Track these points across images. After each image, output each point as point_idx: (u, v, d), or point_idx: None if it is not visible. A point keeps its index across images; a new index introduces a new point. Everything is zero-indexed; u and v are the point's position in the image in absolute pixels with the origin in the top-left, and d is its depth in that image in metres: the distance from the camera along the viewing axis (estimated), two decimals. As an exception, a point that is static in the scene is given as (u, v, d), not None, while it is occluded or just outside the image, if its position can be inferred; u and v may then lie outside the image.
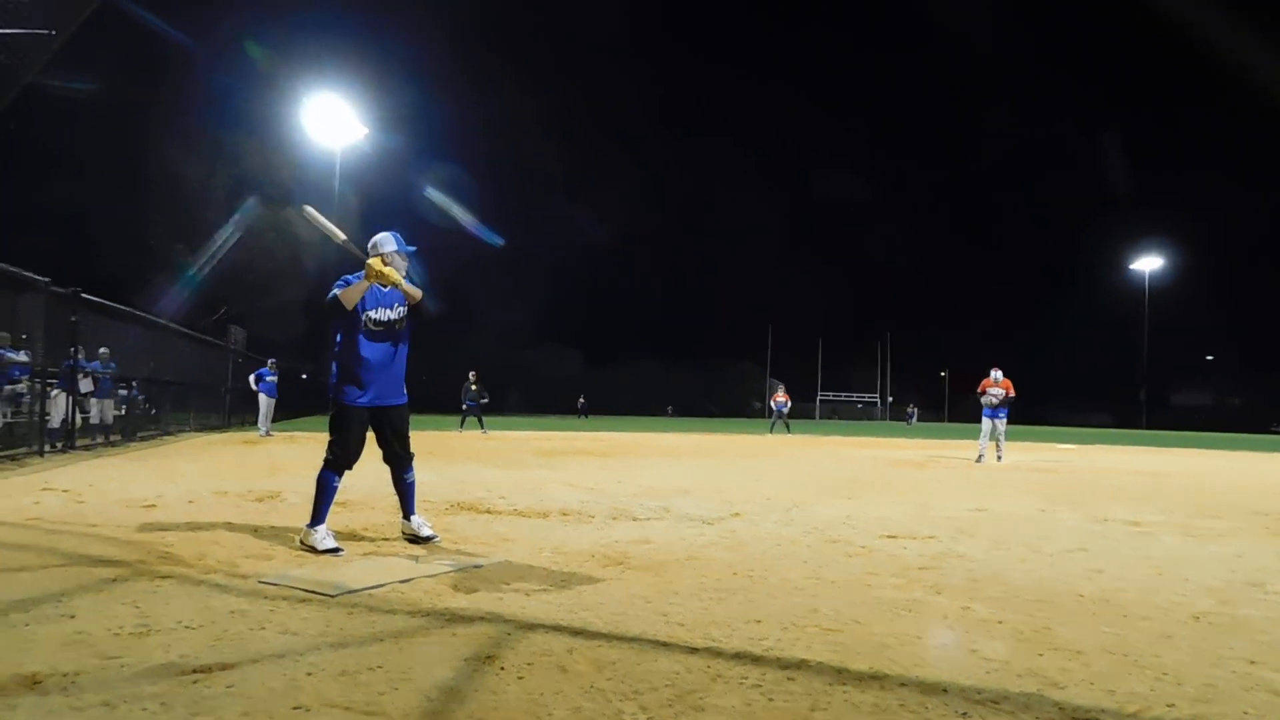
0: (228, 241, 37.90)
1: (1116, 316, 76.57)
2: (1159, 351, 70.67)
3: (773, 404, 31.15)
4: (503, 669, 2.65)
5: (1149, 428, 62.23)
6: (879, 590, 4.01)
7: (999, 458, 15.04)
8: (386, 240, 5.05)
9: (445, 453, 13.92)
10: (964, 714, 2.37)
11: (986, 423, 15.03)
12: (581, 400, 58.95)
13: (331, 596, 3.57)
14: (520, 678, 2.58)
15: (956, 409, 66.37)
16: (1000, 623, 3.44)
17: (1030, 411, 72.35)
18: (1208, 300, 78.50)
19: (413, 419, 5.18)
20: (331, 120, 30.39)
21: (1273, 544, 5.80)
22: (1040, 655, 2.97)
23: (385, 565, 4.31)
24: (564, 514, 6.48)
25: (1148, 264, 69.20)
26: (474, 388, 22.73)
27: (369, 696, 2.39)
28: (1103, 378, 79.39)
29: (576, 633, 3.10)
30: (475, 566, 4.33)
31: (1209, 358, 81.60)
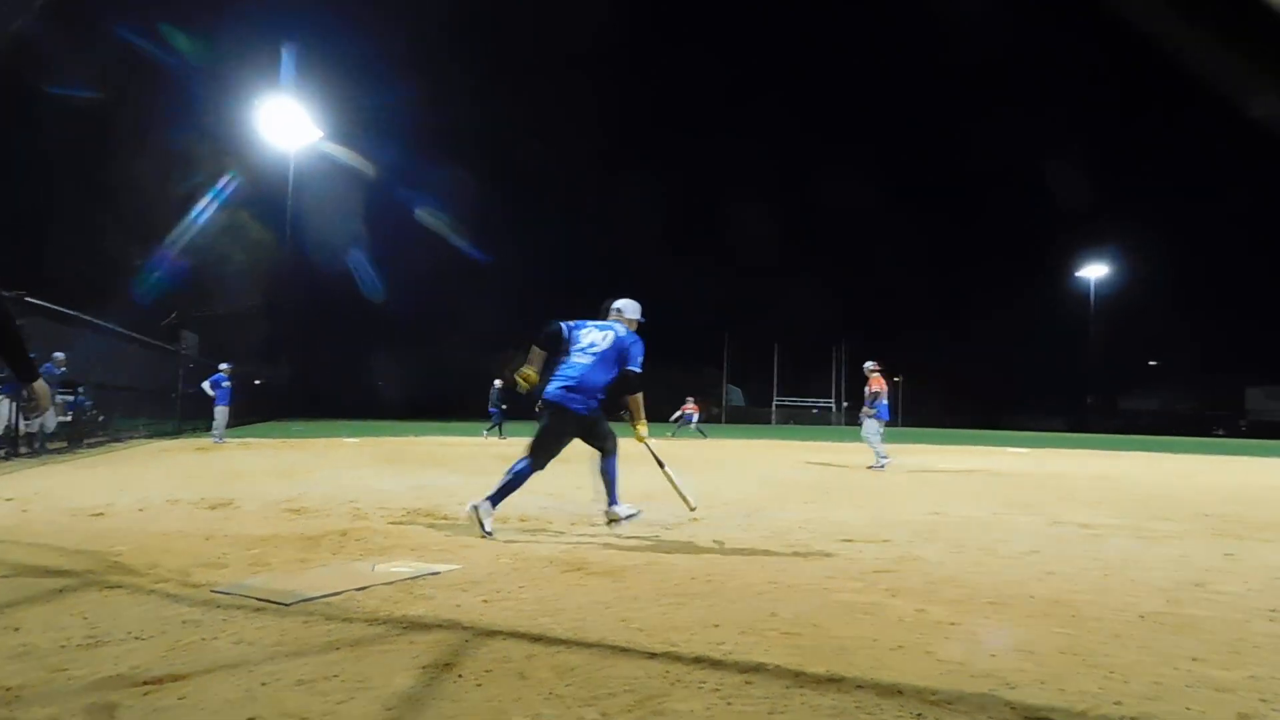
0: (180, 243, 37.41)
1: (1066, 323, 78.48)
2: (1107, 357, 72.61)
3: (682, 413, 29.24)
4: (461, 676, 2.64)
5: (1097, 431, 63.59)
6: (837, 594, 4.05)
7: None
8: (634, 310, 6.29)
9: (404, 459, 13.78)
10: (919, 715, 2.40)
11: (876, 424, 14.00)
12: (540, 403, 58.70)
13: (286, 605, 3.52)
14: (479, 685, 2.56)
15: (910, 414, 67.37)
16: (955, 624, 3.50)
17: (983, 415, 73.79)
18: (1154, 307, 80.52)
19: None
20: (286, 123, 29.98)
21: (1218, 545, 5.96)
22: (994, 656, 3.02)
23: (341, 573, 4.26)
24: (523, 520, 6.46)
25: (1093, 271, 71.08)
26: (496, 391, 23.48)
27: (326, 706, 2.36)
28: (1053, 382, 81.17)
29: (536, 639, 3.09)
30: (433, 573, 4.29)
31: (1152, 363, 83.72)
